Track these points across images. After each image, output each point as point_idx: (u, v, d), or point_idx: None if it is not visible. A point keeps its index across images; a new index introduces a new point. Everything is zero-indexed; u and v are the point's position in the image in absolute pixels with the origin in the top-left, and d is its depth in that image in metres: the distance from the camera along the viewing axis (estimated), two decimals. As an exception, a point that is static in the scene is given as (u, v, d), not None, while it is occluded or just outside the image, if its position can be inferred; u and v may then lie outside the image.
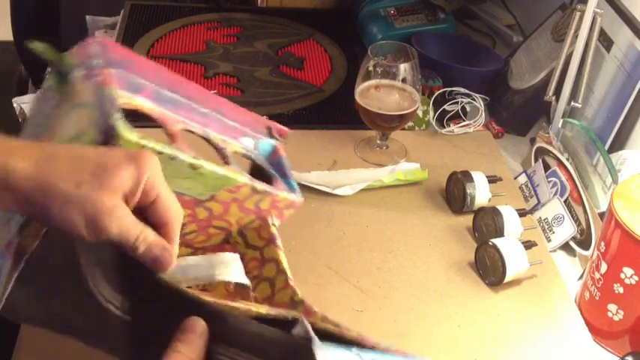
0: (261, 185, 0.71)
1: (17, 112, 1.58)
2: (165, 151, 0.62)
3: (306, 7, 1.59)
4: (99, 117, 0.59)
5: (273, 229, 0.75)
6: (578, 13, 1.07)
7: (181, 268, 0.61)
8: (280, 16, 1.54)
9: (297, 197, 0.75)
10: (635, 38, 1.04)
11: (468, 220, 1.03)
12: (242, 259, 0.74)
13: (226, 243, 0.78)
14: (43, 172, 0.51)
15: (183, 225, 0.62)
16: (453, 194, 1.06)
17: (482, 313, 0.91)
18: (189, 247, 0.77)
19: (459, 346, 0.86)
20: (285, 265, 0.73)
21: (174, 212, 0.57)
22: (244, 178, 0.69)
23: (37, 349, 0.80)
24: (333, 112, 1.27)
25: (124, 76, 0.65)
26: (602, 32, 1.09)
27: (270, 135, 0.78)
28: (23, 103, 1.97)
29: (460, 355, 0.85)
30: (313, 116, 1.25)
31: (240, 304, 0.59)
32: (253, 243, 0.76)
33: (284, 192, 0.73)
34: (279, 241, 0.74)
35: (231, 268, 0.65)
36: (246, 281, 0.67)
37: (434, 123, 1.21)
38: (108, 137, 0.58)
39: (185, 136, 0.68)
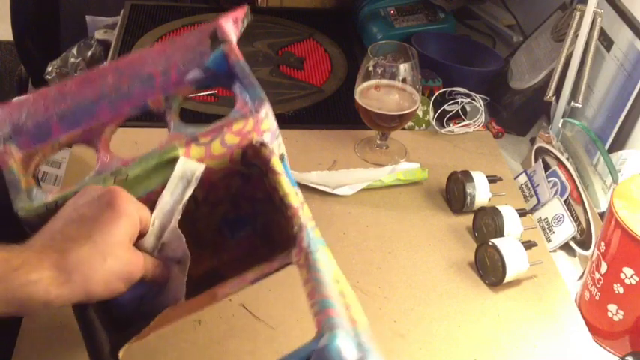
0: (203, 136, 0.65)
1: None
2: (78, 189, 0.63)
3: (306, 7, 1.59)
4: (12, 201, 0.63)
5: (264, 151, 0.68)
6: (578, 13, 1.07)
7: None
8: (280, 16, 1.54)
9: (254, 112, 0.66)
10: (635, 38, 1.04)
11: (468, 220, 1.03)
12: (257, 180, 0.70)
13: (249, 178, 0.72)
14: (83, 288, 0.57)
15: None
16: (453, 194, 1.06)
17: (482, 313, 0.91)
18: (225, 200, 0.73)
19: (459, 346, 0.86)
20: (284, 189, 0.66)
21: None
22: (181, 143, 0.65)
23: (37, 349, 0.80)
24: (333, 112, 1.27)
25: (28, 133, 0.66)
26: (602, 32, 1.09)
27: (217, 42, 0.70)
28: (23, 103, 1.97)
29: (460, 355, 0.85)
30: (313, 116, 1.25)
31: None
32: (263, 170, 0.70)
33: (236, 117, 0.66)
34: (273, 162, 0.67)
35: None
36: None
37: (434, 123, 1.21)
38: (24, 223, 0.63)
39: (125, 136, 0.69)
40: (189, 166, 0.62)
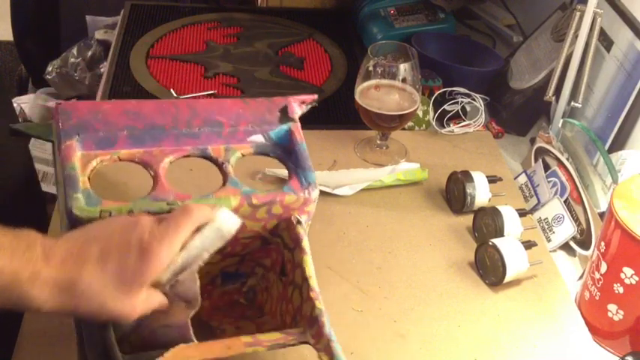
0: (258, 199, 0.70)
1: (17, 112, 1.58)
2: (134, 210, 0.65)
3: (306, 7, 1.59)
4: (65, 198, 0.64)
5: (299, 229, 0.74)
6: (578, 13, 1.07)
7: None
8: (280, 16, 1.54)
9: (307, 194, 0.73)
10: (635, 38, 1.04)
11: (468, 220, 1.03)
12: (284, 260, 0.76)
13: (267, 244, 0.78)
14: (63, 302, 0.59)
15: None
16: (453, 194, 1.06)
17: (482, 313, 0.91)
18: (236, 255, 0.78)
19: (459, 346, 0.86)
20: (310, 270, 0.72)
21: None
22: (236, 200, 0.69)
23: (37, 349, 0.80)
24: (333, 112, 1.27)
25: (94, 136, 0.68)
26: (602, 32, 1.09)
27: (286, 117, 0.76)
28: (23, 103, 1.97)
29: (460, 355, 0.85)
30: (313, 116, 1.24)
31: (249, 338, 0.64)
32: (288, 244, 0.75)
33: (290, 192, 0.72)
34: (304, 243, 0.73)
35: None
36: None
37: (434, 123, 1.21)
38: (71, 220, 0.64)
39: (182, 161, 0.70)
40: (229, 221, 0.65)
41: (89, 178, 0.66)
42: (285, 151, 0.75)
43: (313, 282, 0.71)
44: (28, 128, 0.74)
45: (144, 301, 0.61)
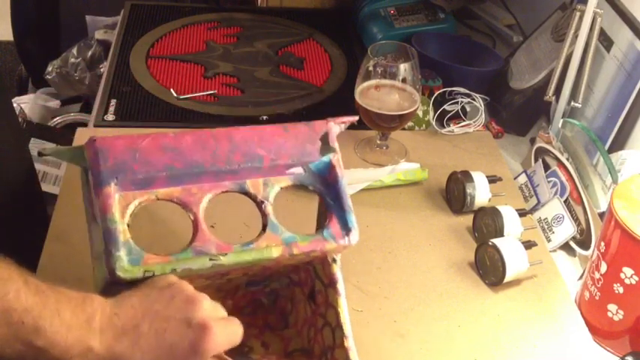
0: (299, 249, 0.69)
1: (17, 112, 1.58)
2: (177, 269, 0.63)
3: (306, 7, 1.59)
4: (105, 253, 0.62)
5: (335, 269, 0.72)
6: (578, 13, 1.07)
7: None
8: (280, 16, 1.54)
9: (347, 241, 0.71)
10: (635, 38, 1.04)
11: (468, 220, 1.03)
12: (314, 287, 0.75)
13: (297, 266, 0.77)
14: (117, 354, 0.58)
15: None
16: (453, 194, 1.06)
17: (482, 313, 0.91)
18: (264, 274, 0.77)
19: (458, 346, 0.86)
20: (344, 317, 0.72)
21: None
22: (277, 251, 0.68)
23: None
24: (333, 112, 1.25)
25: (132, 178, 0.65)
26: (602, 32, 1.09)
27: (327, 147, 0.73)
28: (23, 103, 1.97)
29: (460, 355, 0.85)
30: (313, 116, 1.22)
31: None
32: (320, 275, 0.75)
33: (331, 241, 0.70)
34: (339, 286, 0.72)
35: None
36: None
37: (434, 123, 1.21)
38: (112, 276, 0.62)
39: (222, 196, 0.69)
40: None
41: (129, 225, 0.64)
42: (324, 182, 0.73)
43: (347, 329, 0.71)
44: (58, 154, 0.70)
45: None
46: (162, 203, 0.66)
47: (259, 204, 0.69)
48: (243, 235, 0.76)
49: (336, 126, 0.74)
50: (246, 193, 0.69)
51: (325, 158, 0.73)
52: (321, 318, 0.75)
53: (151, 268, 0.63)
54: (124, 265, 0.62)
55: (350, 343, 0.71)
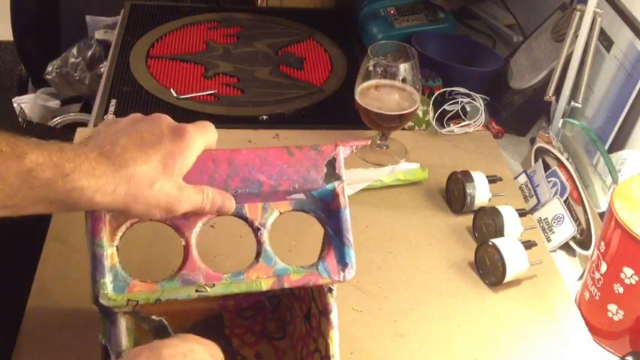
0: (290, 283, 0.66)
1: (17, 112, 1.58)
2: (162, 299, 0.63)
3: (306, 7, 1.59)
4: (91, 277, 0.62)
5: (330, 299, 0.70)
6: (578, 13, 1.07)
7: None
8: (280, 16, 1.54)
9: (342, 277, 0.67)
10: (635, 38, 1.04)
11: (468, 220, 1.03)
12: (310, 307, 0.74)
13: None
14: (123, 201, 0.59)
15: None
16: (453, 194, 1.06)
17: (482, 313, 0.91)
18: None
19: (458, 346, 0.86)
20: (334, 349, 0.69)
21: None
22: (267, 284, 0.66)
23: (37, 349, 0.80)
24: (333, 112, 1.27)
25: None
26: (602, 32, 1.09)
27: (332, 174, 0.69)
28: (23, 103, 1.98)
29: (460, 355, 0.85)
30: (313, 116, 1.25)
31: None
32: (316, 299, 0.72)
33: (325, 276, 0.67)
34: (333, 316, 0.70)
35: None
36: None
37: (434, 123, 1.21)
38: (96, 301, 0.62)
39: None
40: None
41: (117, 248, 0.63)
42: (326, 210, 0.69)
43: None
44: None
45: (186, 194, 0.61)
46: (156, 224, 0.65)
47: (255, 230, 0.67)
48: (243, 235, 0.75)
49: (346, 149, 0.70)
50: (244, 218, 0.67)
51: (329, 186, 0.68)
52: (313, 342, 0.74)
53: (135, 297, 0.62)
54: (108, 293, 0.61)
55: None
